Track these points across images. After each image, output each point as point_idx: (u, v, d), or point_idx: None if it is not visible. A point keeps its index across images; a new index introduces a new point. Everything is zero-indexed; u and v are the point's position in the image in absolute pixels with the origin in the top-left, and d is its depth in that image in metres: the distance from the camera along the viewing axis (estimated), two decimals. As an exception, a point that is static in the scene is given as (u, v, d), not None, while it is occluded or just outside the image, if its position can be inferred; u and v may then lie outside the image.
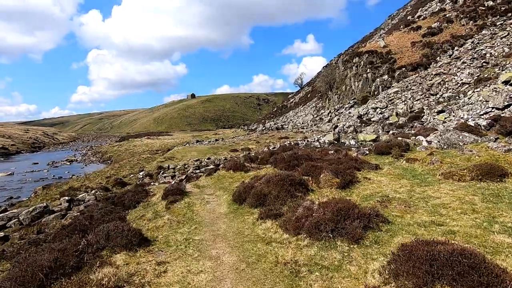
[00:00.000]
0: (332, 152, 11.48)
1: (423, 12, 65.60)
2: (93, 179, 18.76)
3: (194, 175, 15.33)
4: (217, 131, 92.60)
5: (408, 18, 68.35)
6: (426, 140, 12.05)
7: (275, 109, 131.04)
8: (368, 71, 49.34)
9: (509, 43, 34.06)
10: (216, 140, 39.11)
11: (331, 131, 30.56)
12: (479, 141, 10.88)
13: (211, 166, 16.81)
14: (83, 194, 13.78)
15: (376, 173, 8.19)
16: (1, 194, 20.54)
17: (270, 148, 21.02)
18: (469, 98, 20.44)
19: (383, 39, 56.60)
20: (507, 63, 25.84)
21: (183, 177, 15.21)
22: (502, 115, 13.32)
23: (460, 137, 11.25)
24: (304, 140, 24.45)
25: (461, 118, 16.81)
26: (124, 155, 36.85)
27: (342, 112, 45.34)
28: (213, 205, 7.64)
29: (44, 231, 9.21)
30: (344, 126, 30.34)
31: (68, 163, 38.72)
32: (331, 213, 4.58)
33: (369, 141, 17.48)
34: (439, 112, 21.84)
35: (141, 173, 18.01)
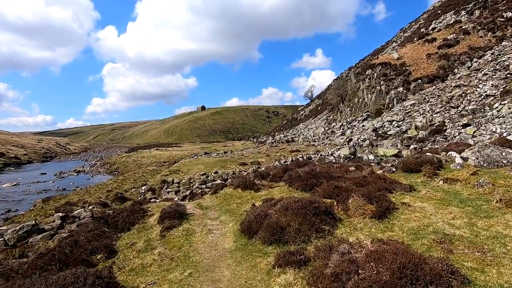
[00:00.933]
0: (353, 169, 10.17)
1: (437, 24, 64.37)
2: (94, 192, 17.83)
3: (200, 190, 14.16)
4: (226, 143, 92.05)
5: (422, 30, 67.17)
6: (461, 157, 10.59)
7: (285, 121, 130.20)
8: (381, 83, 48.00)
9: (534, 54, 32.32)
10: (225, 152, 38.08)
11: (345, 144, 29.15)
12: (527, 159, 9.39)
13: (218, 181, 15.63)
14: (79, 210, 12.79)
15: (413, 196, 6.85)
16: (1, 206, 19.85)
17: (282, 162, 19.77)
18: (498, 111, 18.83)
19: (396, 51, 55.45)
20: (536, 74, 24.15)
21: (188, 192, 14.06)
22: (547, 129, 11.76)
23: (504, 153, 9.76)
24: (317, 154, 23.10)
25: (494, 132, 15.25)
26: (131, 167, 36.19)
27: (355, 125, 43.85)
28: (216, 236, 6.33)
29: (27, 254, 8.17)
30: (359, 140, 28.86)
31: (75, 174, 38.28)
32: (389, 272, 3.21)
33: (390, 156, 16.05)
34: (464, 126, 20.26)
35: (143, 188, 16.95)
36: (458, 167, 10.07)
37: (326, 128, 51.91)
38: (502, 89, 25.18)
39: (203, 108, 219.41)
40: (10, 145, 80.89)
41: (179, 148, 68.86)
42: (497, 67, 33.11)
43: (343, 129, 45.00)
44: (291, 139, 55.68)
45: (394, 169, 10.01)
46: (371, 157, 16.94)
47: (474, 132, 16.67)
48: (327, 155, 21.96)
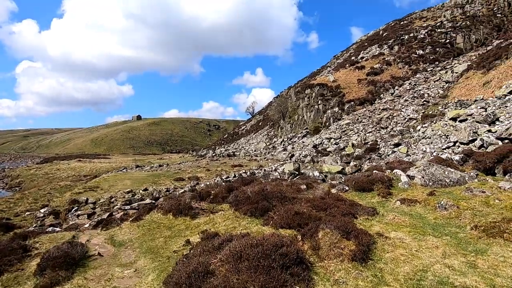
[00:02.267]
0: (304, 187, 9.13)
1: (365, 54, 71.99)
2: None
3: (121, 213, 11.40)
4: (163, 155, 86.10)
5: (352, 58, 74.39)
6: (408, 175, 10.44)
7: (226, 135, 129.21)
8: (319, 102, 50.66)
9: (441, 86, 37.70)
10: (160, 165, 34.54)
11: (288, 160, 28.93)
12: (466, 178, 9.59)
13: (147, 201, 13.04)
14: None
15: (380, 222, 5.95)
16: None
17: (223, 177, 18.06)
18: (423, 133, 20.54)
19: (332, 75, 59.85)
20: (448, 102, 27.75)
21: (105, 216, 11.17)
22: (473, 150, 12.64)
23: (446, 172, 9.84)
24: (261, 169, 22.06)
25: (424, 151, 16.23)
26: (39, 181, 29.83)
27: (295, 141, 44.85)
28: (123, 303, 4.24)
29: None
30: (301, 156, 28.97)
31: (-44, 190, 29.86)
32: None
33: (335, 172, 15.78)
34: (396, 145, 21.57)
35: (42, 210, 13.01)
36: (406, 185, 9.82)
37: (268, 143, 52.15)
38: (422, 114, 28.19)
39: (138, 117, 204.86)
40: None
41: (107, 160, 61.29)
42: (415, 95, 37.68)
43: (284, 145, 45.58)
44: (233, 153, 54.42)
45: (347, 188, 9.26)
46: (316, 173, 16.42)
47: (407, 151, 17.67)
48: (271, 171, 21.05)
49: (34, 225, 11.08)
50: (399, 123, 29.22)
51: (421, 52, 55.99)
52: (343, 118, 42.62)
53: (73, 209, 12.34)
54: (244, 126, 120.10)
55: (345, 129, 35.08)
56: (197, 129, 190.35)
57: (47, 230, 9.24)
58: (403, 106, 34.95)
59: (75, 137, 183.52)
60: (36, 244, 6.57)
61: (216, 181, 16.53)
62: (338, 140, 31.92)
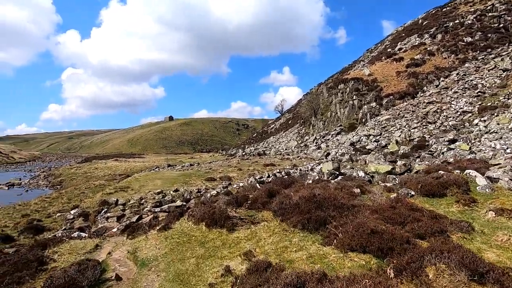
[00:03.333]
0: (358, 191, 7.63)
1: (402, 45, 67.13)
2: (4, 217, 13.29)
3: (151, 216, 10.66)
4: (194, 154, 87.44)
5: (389, 50, 69.76)
6: (488, 177, 8.44)
7: (255, 134, 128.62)
8: (354, 97, 47.79)
9: (498, 75, 33.43)
10: (191, 165, 34.32)
11: (323, 158, 27.08)
12: None
13: (178, 202, 12.24)
14: None
15: (486, 243, 4.36)
16: None
17: (257, 177, 16.88)
18: (485, 127, 17.76)
19: (367, 68, 56.35)
20: (509, 92, 24.22)
21: (135, 219, 10.48)
22: None
23: (544, 174, 7.72)
24: (295, 169, 20.59)
25: (494, 148, 13.75)
26: (78, 180, 30.95)
27: (329, 139, 42.60)
28: None
29: None
30: (337, 154, 26.95)
31: (6, 188, 31.89)
32: None
33: (384, 172, 13.89)
34: (451, 141, 18.97)
35: (73, 212, 12.74)
36: (487, 190, 7.89)
37: (299, 142, 50.30)
38: (478, 106, 24.89)
39: (171, 118, 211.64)
40: None
41: (142, 159, 63.19)
42: (466, 86, 33.78)
43: (316, 143, 43.52)
44: (263, 152, 53.21)
45: (412, 192, 7.56)
46: (361, 173, 14.64)
47: (470, 147, 15.21)
48: (307, 170, 19.50)
49: (64, 227, 10.74)
50: (450, 117, 26.08)
51: (469, 39, 50.66)
52: (381, 114, 39.64)
53: (103, 211, 11.89)
54: (273, 125, 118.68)
55: (385, 125, 32.33)
56: (226, 129, 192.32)
57: (72, 235, 8.69)
58: (452, 99, 31.42)
59: (113, 138, 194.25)
60: (55, 254, 5.87)
61: (249, 181, 15.42)
62: (378, 137, 29.40)
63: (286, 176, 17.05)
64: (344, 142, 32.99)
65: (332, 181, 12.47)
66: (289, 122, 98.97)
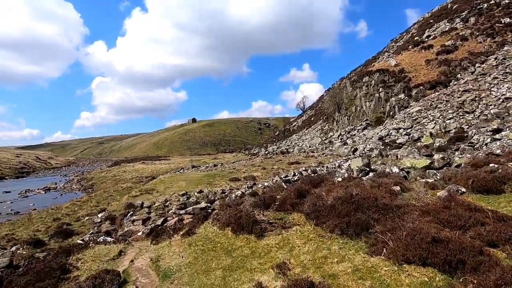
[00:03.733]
0: (397, 189, 6.83)
1: (431, 32, 63.38)
2: (36, 221, 13.75)
3: (176, 218, 10.45)
4: (217, 155, 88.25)
5: (416, 38, 66.19)
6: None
7: (277, 133, 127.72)
8: (380, 90, 45.67)
9: (544, 57, 30.35)
10: (215, 165, 34.37)
11: (350, 155, 25.91)
12: None
13: (202, 204, 11.97)
14: None
15: None
16: None
17: (282, 176, 16.29)
18: (535, 113, 15.86)
19: (393, 58, 53.68)
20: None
21: (160, 221, 10.32)
22: None
23: None
24: (322, 166, 19.74)
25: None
26: (107, 183, 32.04)
27: (354, 134, 40.97)
28: None
29: None
30: (365, 149, 25.67)
31: (43, 192, 33.75)
32: None
33: (421, 168, 12.77)
34: (495, 131, 17.27)
35: (100, 215, 12.91)
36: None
37: (323, 138, 48.94)
38: (524, 91, 22.60)
39: (194, 120, 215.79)
40: (-18, 160, 75.13)
41: (167, 161, 64.66)
42: (508, 71, 30.97)
43: (342, 139, 42.03)
44: (286, 150, 52.39)
45: (463, 189, 6.63)
46: (395, 169, 13.58)
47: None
48: (335, 168, 18.60)
49: (91, 231, 10.83)
50: (491, 105, 23.91)
51: (507, 20, 46.64)
52: (411, 105, 37.48)
53: (129, 214, 11.90)
54: (295, 122, 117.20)
55: (416, 117, 30.43)
56: (248, 128, 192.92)
57: (98, 239, 8.66)
58: (492, 85, 28.88)
59: (140, 142, 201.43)
60: (79, 262, 5.70)
61: (275, 181, 14.87)
62: (409, 130, 27.69)
63: (313, 174, 16.29)
64: (372, 136, 31.45)
65: (364, 178, 11.60)
66: (312, 119, 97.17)
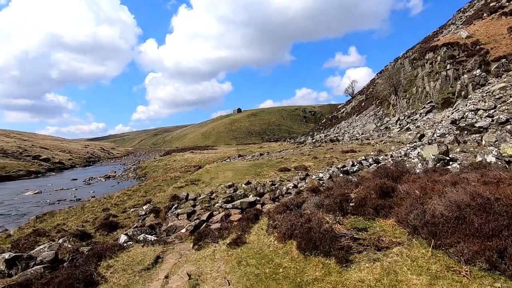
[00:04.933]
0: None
1: (513, -6, 53.13)
2: (87, 211, 13.97)
3: (222, 212, 9.41)
4: (262, 144, 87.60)
5: (492, 4, 56.27)
6: None
7: (324, 120, 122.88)
8: (448, 67, 39.68)
9: None
10: (261, 154, 33.30)
11: (416, 141, 22.54)
12: None
13: (251, 197, 10.75)
14: (43, 246, 8.86)
15: None
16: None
17: (338, 166, 14.30)
18: None
19: (463, 30, 46.18)
20: None
21: (205, 216, 9.36)
22: None
23: None
24: (385, 155, 17.15)
25: None
26: (159, 172, 33.15)
27: (417, 119, 36.31)
28: None
29: None
30: (435, 135, 22.06)
31: (103, 180, 36.34)
32: None
33: (532, 156, 9.81)
34: None
35: (145, 207, 12.48)
36: None
37: (378, 124, 44.62)
38: None
39: (239, 110, 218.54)
40: (58, 150, 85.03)
41: (214, 150, 65.83)
42: None
43: (400, 124, 37.63)
44: (335, 138, 49.10)
45: None
46: (490, 158, 10.84)
47: None
48: (401, 156, 15.95)
49: (135, 224, 10.40)
50: None
51: None
52: (490, 83, 31.66)
53: (173, 207, 11.24)
54: (344, 109, 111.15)
55: (501, 95, 25.36)
56: (293, 117, 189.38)
57: (138, 238, 7.97)
58: None
59: (189, 132, 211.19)
60: (108, 270, 4.85)
61: (331, 172, 13.02)
62: (492, 111, 23.12)
63: (376, 164, 14.00)
64: (441, 120, 27.20)
65: (450, 168, 9.19)
66: (363, 104, 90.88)
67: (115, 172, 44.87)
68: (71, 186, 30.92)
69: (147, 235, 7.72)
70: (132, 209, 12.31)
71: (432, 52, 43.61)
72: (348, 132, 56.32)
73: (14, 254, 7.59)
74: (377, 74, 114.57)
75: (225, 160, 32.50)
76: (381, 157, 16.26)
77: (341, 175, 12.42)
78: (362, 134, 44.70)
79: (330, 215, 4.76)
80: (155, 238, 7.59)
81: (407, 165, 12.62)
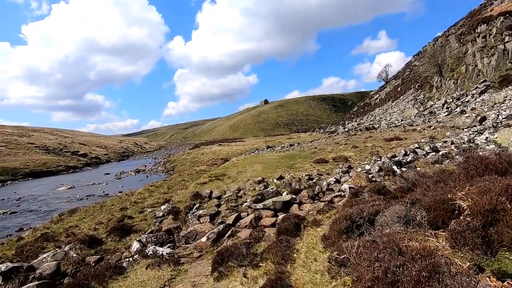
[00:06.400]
0: None
1: None
2: (106, 210, 13.02)
3: (251, 214, 7.70)
4: (291, 135, 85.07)
5: (559, -36, 48.21)
6: None
7: (355, 108, 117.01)
8: (506, 39, 34.37)
9: None
10: (291, 145, 31.26)
11: (476, 125, 19.25)
12: None
13: (285, 196, 8.89)
14: (47, 254, 7.85)
15: None
16: (26, 218, 17.29)
17: (388, 156, 11.94)
18: None
19: (523, -4, 40.05)
20: None
21: (231, 219, 7.72)
22: None
23: None
24: (442, 142, 14.40)
25: None
26: (186, 165, 32.51)
27: (468, 101, 31.96)
28: None
29: None
30: (500, 117, 18.63)
31: (133, 174, 36.56)
32: None
33: None
34: None
35: (163, 207, 11.09)
36: None
37: (421, 109, 40.41)
38: None
39: (266, 102, 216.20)
40: (95, 146, 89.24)
41: (242, 142, 64.76)
42: None
43: (448, 108, 33.42)
44: (371, 126, 45.48)
45: None
46: None
47: None
48: (465, 143, 13.16)
49: (151, 228, 9.09)
50: None
51: None
52: None
53: (194, 207, 9.75)
54: (377, 95, 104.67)
55: None
56: (321, 106, 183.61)
57: (147, 251, 6.50)
58: None
59: (217, 125, 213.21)
60: None
61: (381, 163, 10.77)
62: None
63: (435, 154, 11.47)
64: (504, 100, 23.27)
65: None
66: (398, 89, 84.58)
67: (145, 166, 45.37)
68: (103, 181, 31.32)
69: (158, 248, 6.30)
70: (149, 209, 11.11)
71: (485, 24, 38.19)
72: (385, 119, 52.16)
73: (12, 265, 6.60)
74: (413, 56, 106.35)
75: (253, 152, 30.95)
76: (439, 144, 13.58)
77: (394, 167, 10.17)
78: (402, 120, 40.81)
79: (446, 245, 2.78)
80: (168, 251, 6.15)
81: (481, 153, 10.00)
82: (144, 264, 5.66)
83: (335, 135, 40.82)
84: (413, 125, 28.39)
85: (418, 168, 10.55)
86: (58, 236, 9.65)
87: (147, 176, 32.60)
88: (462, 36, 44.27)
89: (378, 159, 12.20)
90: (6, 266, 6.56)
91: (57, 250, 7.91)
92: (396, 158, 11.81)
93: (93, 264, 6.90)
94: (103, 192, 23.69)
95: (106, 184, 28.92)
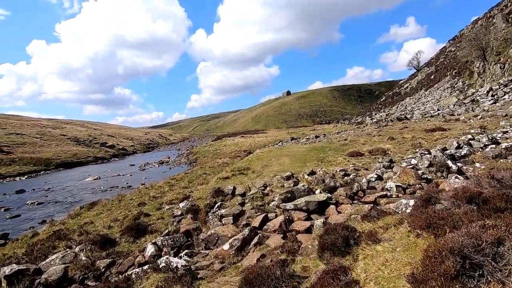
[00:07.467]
0: None
1: None
2: (124, 205, 12.41)
3: (281, 216, 6.58)
4: (315, 126, 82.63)
5: None
6: None
7: (383, 98, 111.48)
8: None
9: None
10: (317, 136, 29.70)
11: (536, 114, 16.73)
12: None
13: (319, 195, 7.66)
14: (56, 255, 7.26)
15: None
16: (51, 209, 17.41)
17: (439, 148, 10.24)
18: None
19: None
20: None
21: (257, 222, 6.68)
22: None
23: None
24: (501, 133, 12.40)
25: None
26: (209, 157, 32.00)
27: (519, 87, 28.57)
28: None
29: None
30: None
31: (157, 165, 36.74)
32: None
33: None
34: None
35: (181, 205, 10.19)
36: None
37: (461, 98, 36.98)
38: None
39: (288, 93, 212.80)
40: (122, 138, 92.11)
41: (264, 134, 63.61)
42: None
43: (495, 96, 30.10)
44: (403, 116, 42.56)
45: None
46: None
47: None
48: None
49: (168, 228, 8.26)
50: None
51: None
52: None
53: (216, 205, 8.79)
54: (408, 84, 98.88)
55: None
56: (346, 97, 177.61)
57: (159, 263, 5.53)
58: None
59: (240, 117, 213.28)
60: None
61: (431, 157, 9.17)
62: None
63: (494, 146, 9.67)
64: None
65: None
66: (432, 77, 79.09)
67: (169, 157, 45.68)
68: (127, 172, 31.67)
69: (172, 259, 5.39)
70: (167, 206, 10.36)
71: (540, 0, 33.85)
72: (418, 109, 48.71)
73: (17, 268, 6.06)
74: (449, 41, 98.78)
75: (276, 144, 29.75)
76: (498, 135, 11.65)
77: (449, 162, 8.58)
78: (438, 110, 37.64)
79: None
80: (184, 263, 5.23)
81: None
82: (154, 280, 4.81)
83: (363, 126, 38.56)
84: (454, 115, 25.76)
85: (477, 164, 8.88)
86: (71, 234, 9.18)
87: (170, 168, 32.53)
88: (511, 15, 39.73)
89: (426, 152, 10.58)
90: (11, 269, 6.04)
91: (67, 251, 7.35)
92: (448, 151, 10.14)
93: (103, 269, 6.23)
94: (126, 183, 23.72)
95: (130, 175, 29.13)
